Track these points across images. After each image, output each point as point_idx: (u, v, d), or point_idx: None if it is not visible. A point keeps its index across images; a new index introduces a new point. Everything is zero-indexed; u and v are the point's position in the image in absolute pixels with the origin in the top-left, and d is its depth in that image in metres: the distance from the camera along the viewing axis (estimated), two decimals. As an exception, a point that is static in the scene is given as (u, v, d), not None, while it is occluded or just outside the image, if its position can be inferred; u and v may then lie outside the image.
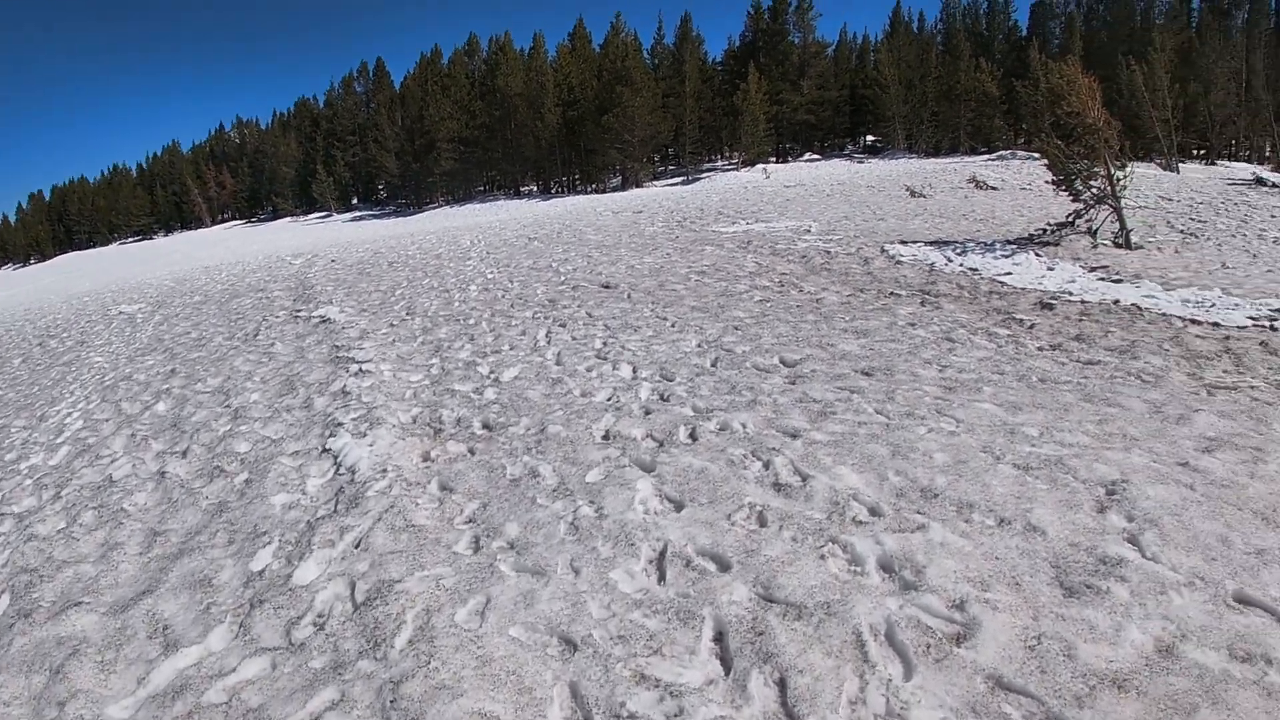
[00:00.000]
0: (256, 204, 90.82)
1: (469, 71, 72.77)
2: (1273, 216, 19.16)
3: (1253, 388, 6.76)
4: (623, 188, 54.34)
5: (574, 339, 8.62)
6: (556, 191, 60.39)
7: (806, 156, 61.52)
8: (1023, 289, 10.71)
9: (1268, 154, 50.27)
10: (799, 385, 6.24)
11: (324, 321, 11.23)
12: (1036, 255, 13.02)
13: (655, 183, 54.71)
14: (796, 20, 64.54)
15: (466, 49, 77.19)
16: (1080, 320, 8.98)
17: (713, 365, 7.06)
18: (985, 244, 14.38)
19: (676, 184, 50.25)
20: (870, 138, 65.30)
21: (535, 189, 63.96)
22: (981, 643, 3.07)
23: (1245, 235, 15.89)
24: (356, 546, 4.27)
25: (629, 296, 10.86)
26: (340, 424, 6.35)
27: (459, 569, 3.90)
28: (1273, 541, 3.76)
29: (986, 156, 48.33)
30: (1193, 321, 9.05)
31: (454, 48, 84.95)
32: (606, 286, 11.69)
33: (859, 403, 5.72)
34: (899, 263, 12.73)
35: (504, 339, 8.97)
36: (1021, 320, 8.81)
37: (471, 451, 5.50)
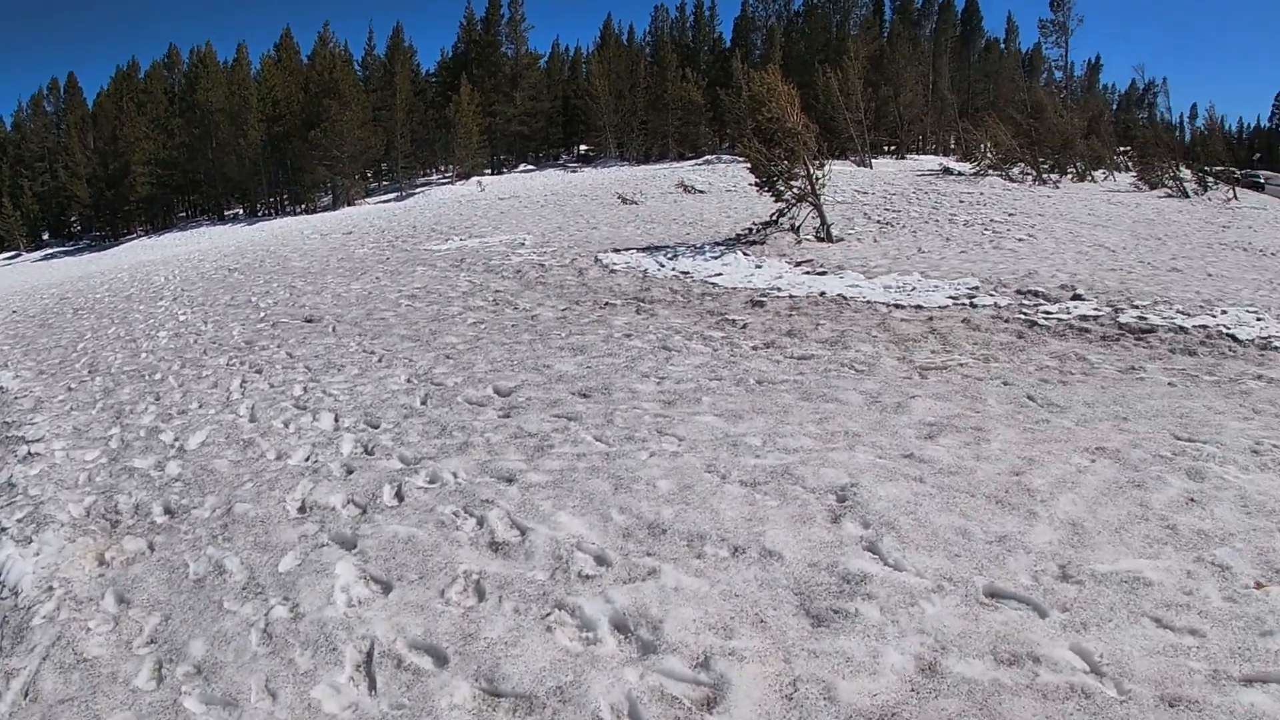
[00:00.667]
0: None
1: (168, 86, 67.73)
2: (960, 201, 20.63)
3: (961, 365, 6.94)
4: (334, 207, 52.10)
5: (271, 387, 7.75)
6: (264, 214, 57.19)
7: (522, 167, 61.46)
8: (734, 288, 10.78)
9: (951, 146, 54.48)
10: (514, 417, 5.79)
11: (-12, 388, 9.76)
12: (745, 255, 13.24)
13: (369, 200, 52.83)
14: (509, 32, 64.49)
15: (166, 62, 71.45)
16: (791, 315, 9.06)
17: (423, 403, 6.48)
18: (696, 247, 14.54)
19: (390, 200, 48.76)
20: (584, 147, 66.04)
21: (241, 212, 60.32)
22: (734, 703, 2.71)
23: (937, 221, 16.90)
24: (25, 696, 3.39)
25: (334, 330, 10.10)
26: (3, 529, 5.28)
27: (140, 712, 3.12)
28: (1011, 526, 3.71)
29: (694, 161, 50.09)
30: (896, 306, 9.33)
31: (152, 60, 78.67)
32: (310, 320, 10.85)
33: (577, 431, 5.36)
34: (613, 271, 12.59)
35: (193, 395, 7.91)
36: (735, 321, 8.78)
37: (151, 547, 4.54)
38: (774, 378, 6.48)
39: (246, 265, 18.90)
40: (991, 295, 9.84)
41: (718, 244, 14.75)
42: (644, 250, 14.53)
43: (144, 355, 10.29)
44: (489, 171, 59.71)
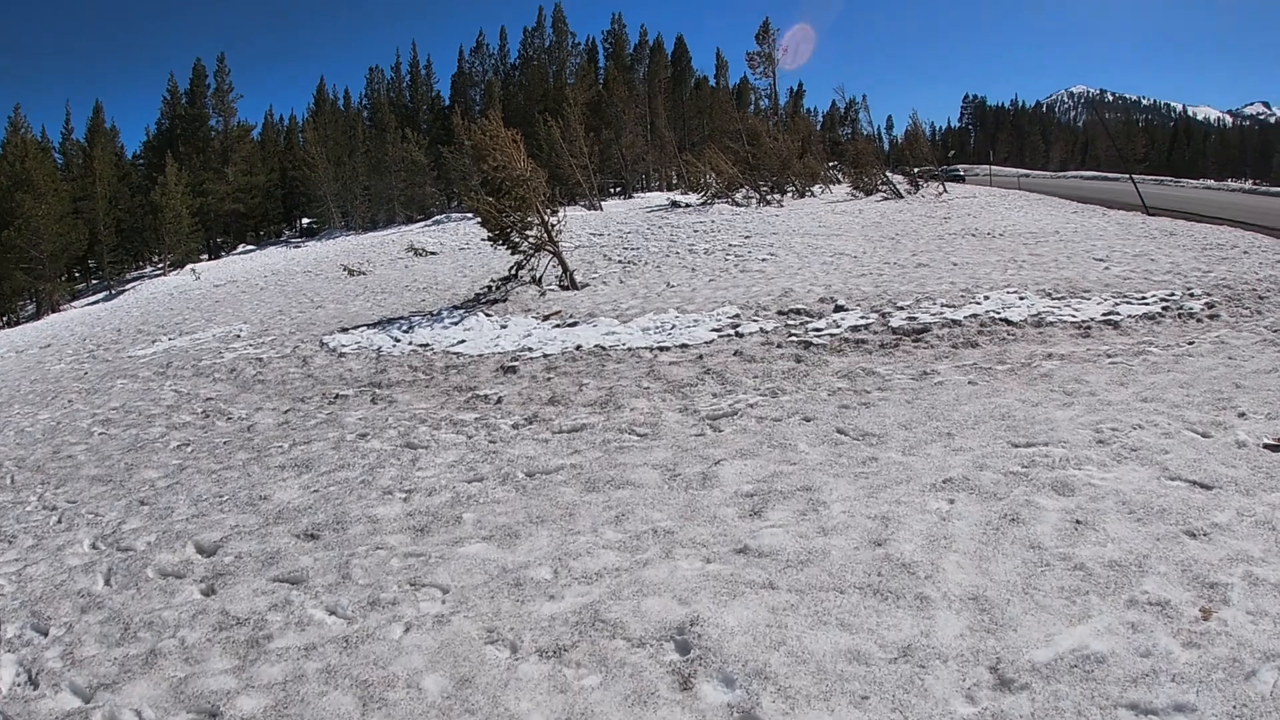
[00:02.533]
0: None
1: None
2: (695, 231, 20.34)
3: (751, 406, 6.19)
4: (37, 316, 47.44)
5: None
6: (-47, 337, 51.47)
7: (240, 249, 58.00)
8: (480, 355, 9.79)
9: (674, 181, 55.58)
10: (220, 592, 4.44)
11: None
12: (487, 315, 12.21)
13: (77, 303, 48.31)
14: (216, 103, 61.12)
15: None
16: (549, 378, 8.14)
17: (107, 583, 4.98)
18: (433, 314, 13.37)
19: (99, 301, 44.75)
20: (306, 220, 63.34)
21: (-73, 336, 53.95)
22: None
23: (678, 253, 16.42)
24: None
25: (11, 482, 8.30)
26: None
27: None
28: (908, 627, 3.02)
29: (423, 223, 48.76)
30: (661, 349, 8.59)
31: None
32: (-20, 471, 8.97)
33: (303, 605, 4.06)
34: (342, 355, 11.26)
35: None
36: (487, 396, 7.78)
37: None
38: (547, 464, 5.48)
39: (-85, 404, 16.16)
40: (755, 320, 9.28)
41: (456, 308, 13.60)
42: (375, 325, 13.20)
43: None
44: (205, 256, 56.04)
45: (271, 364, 11.62)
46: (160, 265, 55.87)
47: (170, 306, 25.17)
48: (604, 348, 9.01)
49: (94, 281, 57.47)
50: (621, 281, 13.88)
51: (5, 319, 49.03)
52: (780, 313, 9.50)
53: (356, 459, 6.41)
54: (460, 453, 6.10)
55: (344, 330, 13.26)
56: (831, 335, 8.20)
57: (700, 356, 8.02)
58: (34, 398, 13.08)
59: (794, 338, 8.31)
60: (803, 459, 4.84)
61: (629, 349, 8.79)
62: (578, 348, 9.16)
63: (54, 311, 46.03)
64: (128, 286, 49.32)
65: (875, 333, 8.20)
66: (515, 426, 6.60)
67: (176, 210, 51.01)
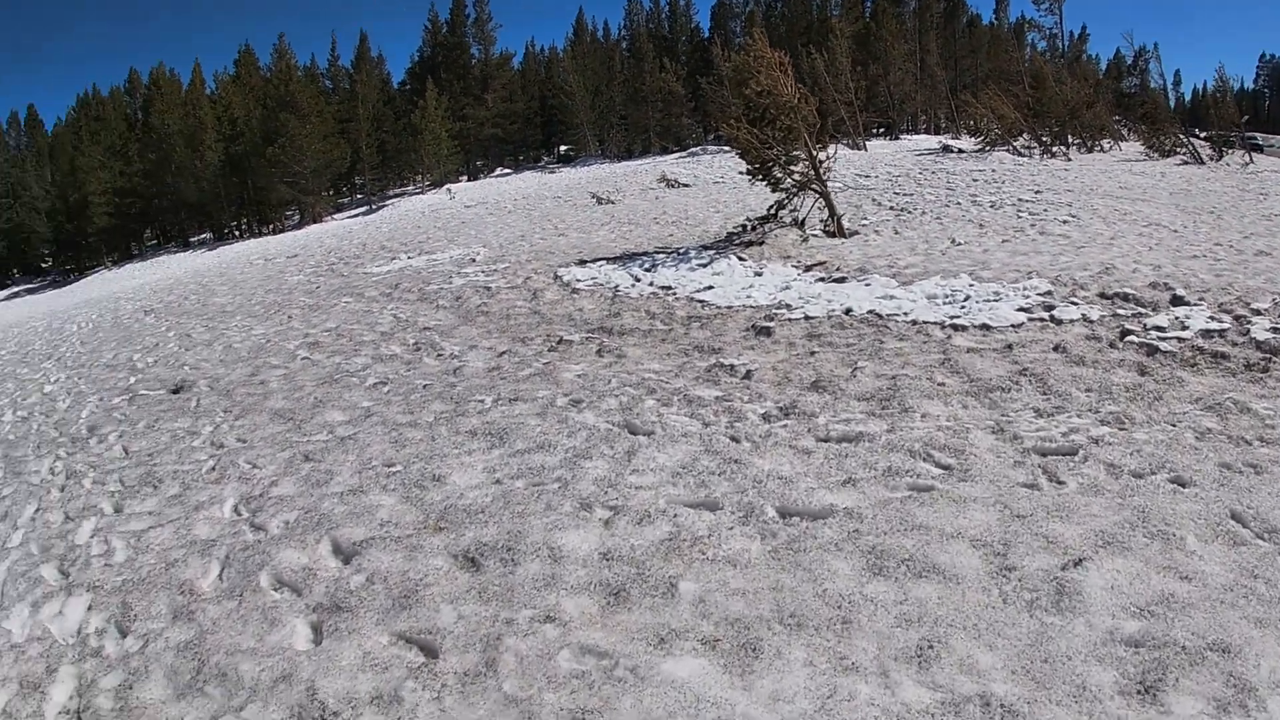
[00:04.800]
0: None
1: (128, 113, 64.99)
2: (974, 180, 17.95)
3: (1095, 442, 4.36)
4: (301, 225, 49.51)
5: (65, 519, 5.19)
6: (230, 237, 54.50)
7: (498, 172, 58.59)
8: (729, 308, 8.25)
9: (943, 125, 51.93)
10: (319, 650, 3.10)
11: None
12: (740, 259, 10.62)
13: (338, 215, 49.96)
14: (475, 33, 61.64)
15: (127, 87, 68.97)
16: (812, 349, 6.51)
17: (214, 580, 3.83)
18: (680, 253, 11.85)
19: (359, 215, 46.04)
20: (564, 147, 63.33)
21: (210, 235, 57.41)
22: None
23: (959, 204, 14.29)
24: None
25: (196, 405, 7.50)
26: None
27: None
28: None
29: (678, 154, 47.38)
30: (955, 327, 6.71)
31: (112, 86, 75.29)
32: (178, 390, 8.24)
33: (413, 711, 2.70)
34: (575, 291, 9.99)
35: None
36: (734, 367, 6.18)
37: None
38: (808, 501, 3.84)
39: (165, 306, 16.18)
40: (1074, 304, 7.20)
41: (706, 247, 12.05)
42: (616, 260, 11.86)
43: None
44: (464, 177, 56.97)
45: (499, 294, 10.50)
46: (419, 185, 57.35)
47: (418, 225, 24.92)
48: (880, 315, 7.25)
49: (358, 196, 59.75)
50: (896, 232, 11.94)
51: (271, 227, 51.69)
52: (1103, 296, 7.41)
53: (561, 437, 4.99)
54: (692, 451, 4.57)
55: (581, 263, 12.00)
56: (1179, 340, 6.07)
57: (1009, 346, 6.13)
58: (259, 310, 12.59)
59: (1130, 336, 6.22)
60: (1198, 572, 3.01)
61: (912, 321, 6.97)
62: (847, 311, 7.45)
63: (315, 223, 47.97)
64: (387, 202, 50.78)
65: (1234, 344, 6.02)
66: (766, 418, 5.01)
67: (435, 133, 51.90)
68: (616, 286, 9.92)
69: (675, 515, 3.78)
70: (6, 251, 65.10)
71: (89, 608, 3.84)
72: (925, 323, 6.82)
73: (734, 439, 4.66)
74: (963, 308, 7.23)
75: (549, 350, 7.48)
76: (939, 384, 5.29)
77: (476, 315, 9.53)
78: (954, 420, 4.67)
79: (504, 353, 7.59)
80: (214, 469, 5.51)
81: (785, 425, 4.81)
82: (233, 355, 9.46)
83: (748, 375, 5.88)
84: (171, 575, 3.94)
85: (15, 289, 58.72)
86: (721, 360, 6.35)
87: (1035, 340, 6.25)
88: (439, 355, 7.86)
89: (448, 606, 3.21)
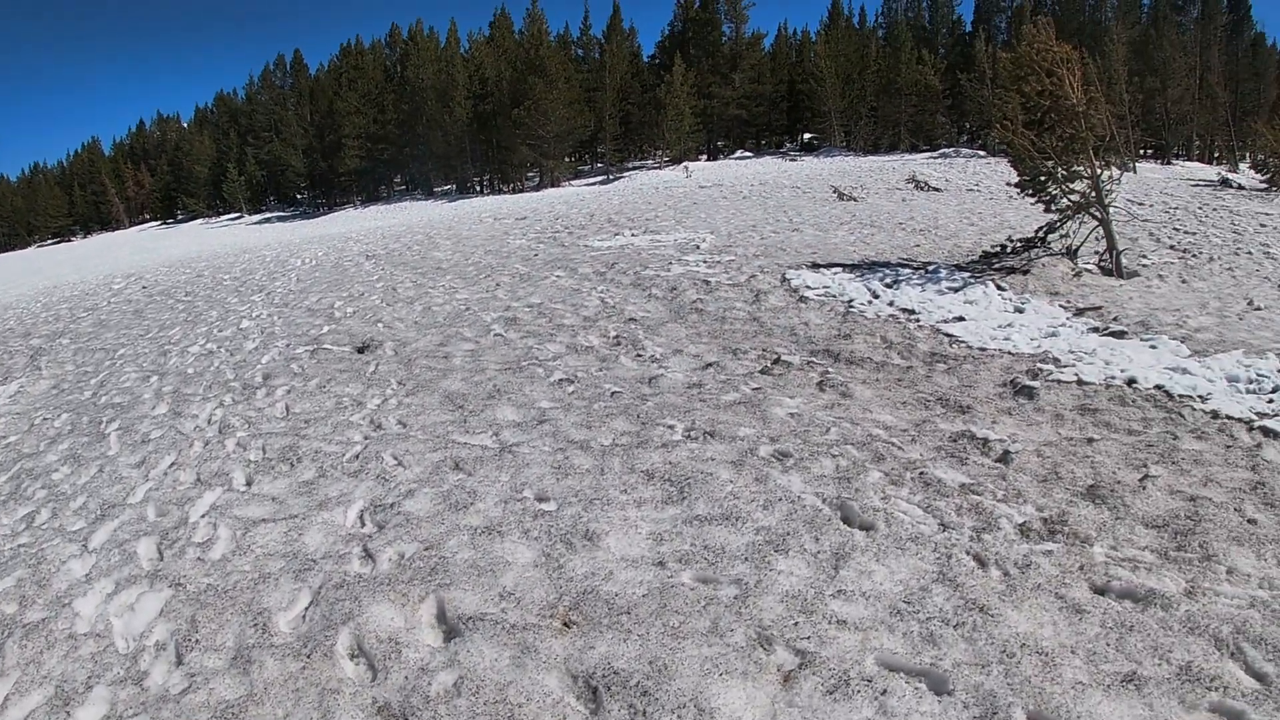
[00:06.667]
0: (173, 205, 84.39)
1: (386, 64, 68.12)
2: (1262, 225, 15.54)
3: None
4: (539, 187, 50.16)
5: (173, 488, 4.69)
6: (472, 191, 55.91)
7: (738, 154, 57.48)
8: (982, 349, 6.99)
9: (1218, 154, 47.31)
10: None
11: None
12: (999, 288, 9.25)
13: (575, 182, 50.42)
14: (728, 9, 60.63)
15: (388, 40, 72.61)
16: (1086, 432, 5.20)
17: (288, 629, 3.14)
18: (927, 269, 10.49)
19: (595, 184, 46.12)
20: (808, 135, 61.65)
21: (455, 188, 59.20)
22: None
23: (1250, 254, 12.20)
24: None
25: (375, 370, 6.97)
26: None
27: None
28: None
29: (928, 154, 45.00)
30: (1265, 432, 5.17)
31: (374, 38, 79.22)
32: (362, 349, 7.76)
33: None
34: (803, 300, 8.92)
35: (91, 491, 5.04)
36: (987, 441, 4.93)
37: None
38: (1072, 714, 2.58)
39: (387, 253, 16.10)
40: None
41: (960, 267, 10.61)
42: (853, 269, 10.63)
43: (152, 380, 7.74)
44: (703, 157, 56.42)
45: (718, 290, 9.53)
46: (658, 160, 57.12)
47: (649, 200, 24.21)
48: (1170, 396, 5.78)
49: (597, 165, 60.17)
50: (1183, 280, 10.17)
51: (511, 186, 52.83)
52: None
53: (755, 509, 3.91)
54: (921, 572, 3.39)
55: (814, 266, 10.82)
56: None
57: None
58: (471, 272, 12.11)
59: None
60: None
61: (1213, 414, 5.44)
62: (1130, 382, 6.02)
63: (553, 186, 48.59)
64: (625, 174, 50.82)
65: None
66: (1025, 533, 3.74)
67: (679, 109, 51.49)
68: (850, 300, 8.77)
69: (884, 689, 2.66)
70: (264, 180, 70.35)
71: (160, 612, 3.33)
72: (1229, 418, 5.31)
73: (980, 561, 3.45)
74: (1271, 402, 5.70)
75: (761, 371, 6.46)
76: (1249, 520, 3.90)
77: (689, 312, 8.60)
78: (1271, 588, 3.33)
79: (710, 365, 6.63)
80: (357, 457, 4.91)
81: (1050, 553, 3.54)
82: (429, 319, 8.92)
83: (1004, 458, 4.63)
84: (255, 596, 3.33)
85: (269, 214, 62.97)
86: (972, 428, 5.12)
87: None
88: (638, 356, 6.98)
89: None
